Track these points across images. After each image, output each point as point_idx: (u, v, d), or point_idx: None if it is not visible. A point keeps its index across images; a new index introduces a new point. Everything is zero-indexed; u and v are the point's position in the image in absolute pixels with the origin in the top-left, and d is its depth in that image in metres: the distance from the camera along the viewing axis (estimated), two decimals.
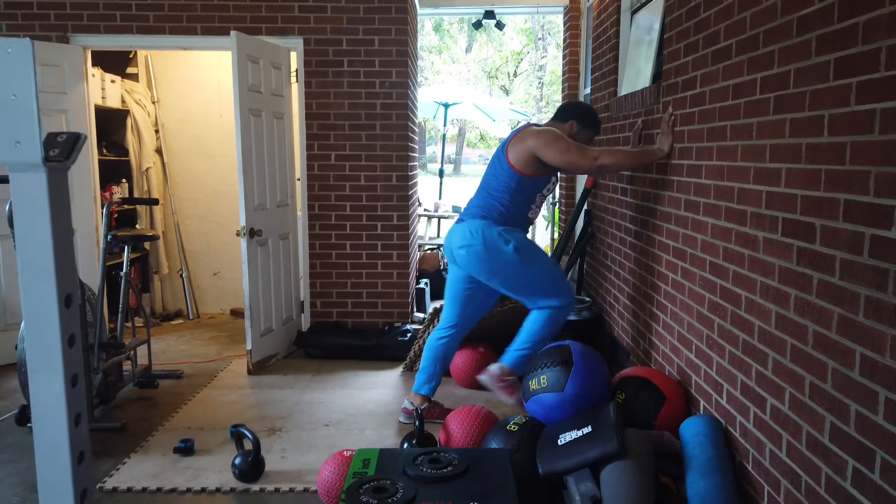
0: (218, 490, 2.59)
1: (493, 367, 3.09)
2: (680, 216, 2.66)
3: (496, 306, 3.48)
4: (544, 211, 7.66)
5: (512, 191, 2.99)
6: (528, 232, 3.19)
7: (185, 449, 2.87)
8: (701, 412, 2.45)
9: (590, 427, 2.27)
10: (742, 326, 2.09)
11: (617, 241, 3.71)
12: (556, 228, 6.42)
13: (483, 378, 3.12)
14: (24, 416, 3.09)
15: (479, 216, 3.01)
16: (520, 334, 3.11)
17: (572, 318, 3.95)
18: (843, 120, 1.56)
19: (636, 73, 3.45)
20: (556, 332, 3.10)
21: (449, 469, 2.01)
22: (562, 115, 3.17)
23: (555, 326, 3.08)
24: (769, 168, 1.92)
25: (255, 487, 2.60)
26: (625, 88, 3.68)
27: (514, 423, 2.53)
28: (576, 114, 3.14)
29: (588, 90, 4.89)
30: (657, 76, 3.09)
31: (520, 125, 3.16)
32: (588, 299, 4.21)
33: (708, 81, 2.38)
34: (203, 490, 2.59)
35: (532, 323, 3.07)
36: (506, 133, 25.49)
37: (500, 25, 8.83)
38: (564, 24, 5.77)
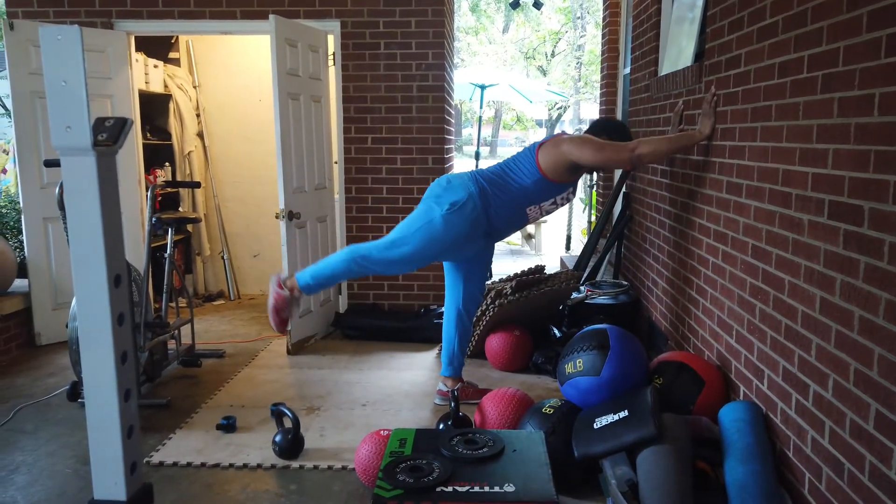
0: (259, 466, 2.66)
1: (284, 276, 3.04)
2: (721, 199, 2.61)
3: (489, 265, 3.36)
4: (581, 194, 7.58)
5: (523, 184, 2.93)
6: (505, 231, 3.08)
7: (228, 426, 2.95)
8: (741, 398, 2.41)
9: (626, 411, 2.26)
10: (785, 311, 2.05)
11: (656, 224, 3.66)
12: (593, 211, 6.35)
13: (272, 278, 3.04)
14: (74, 392, 3.22)
15: (473, 177, 2.97)
16: (326, 259, 3.06)
17: (609, 301, 3.92)
18: (894, 99, 1.51)
19: (678, 51, 3.37)
20: (344, 277, 3.05)
21: (484, 450, 2.02)
22: (594, 129, 3.15)
23: (350, 271, 3.00)
24: (816, 149, 1.87)
25: (295, 464, 2.67)
26: (666, 68, 3.60)
27: (550, 406, 2.53)
28: (607, 129, 3.10)
29: (628, 70, 4.80)
30: (699, 55, 3.02)
31: (553, 134, 3.14)
32: (626, 283, 4.17)
33: (753, 60, 2.32)
34: (245, 466, 2.66)
35: (341, 254, 3.00)
36: (542, 115, 25.24)
37: (537, 5, 8.68)
38: (604, 1, 5.66)
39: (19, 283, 4.24)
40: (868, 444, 1.60)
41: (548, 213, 3.08)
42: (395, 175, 4.53)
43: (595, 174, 5.68)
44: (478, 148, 9.12)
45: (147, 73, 4.91)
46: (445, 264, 3.21)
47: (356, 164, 4.53)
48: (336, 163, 4.62)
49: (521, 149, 3.16)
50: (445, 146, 4.58)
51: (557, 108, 24.46)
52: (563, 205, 3.09)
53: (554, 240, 8.51)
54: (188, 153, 5.27)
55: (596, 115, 5.83)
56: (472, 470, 1.93)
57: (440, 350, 4.03)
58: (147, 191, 3.75)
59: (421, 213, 2.96)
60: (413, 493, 1.82)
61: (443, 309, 4.39)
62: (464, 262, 3.16)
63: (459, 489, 1.83)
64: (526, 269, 3.99)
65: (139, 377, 3.32)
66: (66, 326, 3.31)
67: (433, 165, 4.51)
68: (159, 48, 5.24)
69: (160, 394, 3.41)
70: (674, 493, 1.97)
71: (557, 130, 25.84)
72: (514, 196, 2.94)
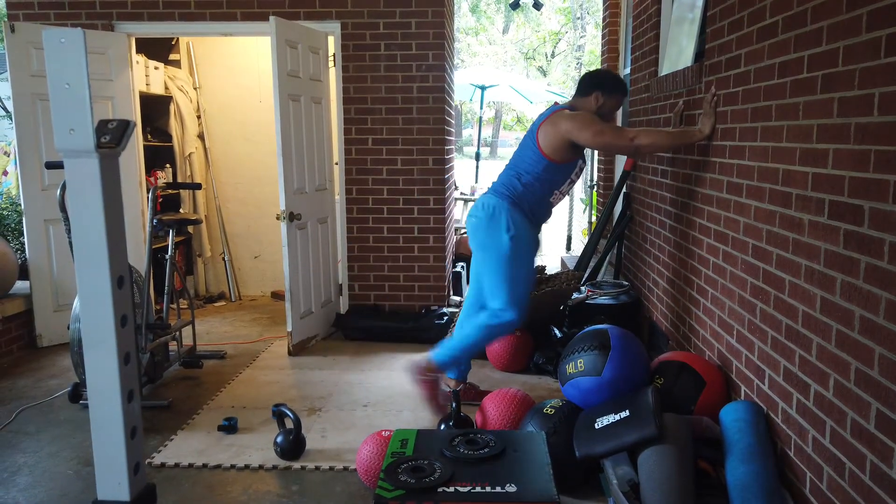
0: (260, 467, 2.66)
1: (419, 358, 3.00)
2: (722, 199, 2.62)
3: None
4: (581, 194, 7.58)
5: (537, 174, 2.93)
6: (544, 220, 3.11)
7: (229, 427, 2.96)
8: (742, 398, 2.42)
9: (627, 411, 2.27)
10: (785, 311, 2.06)
11: (656, 224, 3.67)
12: (594, 211, 6.36)
13: (406, 366, 3.03)
14: (76, 394, 3.22)
15: (498, 193, 2.97)
16: (456, 336, 3.07)
17: (610, 301, 3.92)
18: (894, 98, 1.51)
19: (678, 51, 3.38)
20: (488, 344, 3.06)
21: (486, 451, 2.03)
22: (583, 89, 2.99)
23: (490, 339, 3.05)
24: (816, 149, 1.87)
25: (297, 465, 2.67)
26: (666, 68, 3.61)
27: (551, 407, 2.53)
28: (597, 82, 2.97)
29: (628, 70, 4.81)
30: (699, 55, 3.02)
31: (551, 107, 3.10)
32: (626, 283, 4.17)
33: (753, 60, 2.32)
34: (246, 467, 2.67)
35: (471, 331, 2.99)
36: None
37: (537, 5, 8.70)
38: (604, 2, 5.66)
39: (21, 285, 4.25)
40: (869, 443, 1.60)
41: (566, 193, 3.09)
42: (396, 176, 4.53)
43: (596, 167, 5.66)
44: (478, 149, 9.13)
45: (148, 75, 4.92)
46: (471, 282, 3.19)
47: (357, 165, 4.54)
48: (336, 164, 4.63)
49: (518, 146, 3.15)
50: (446, 147, 4.58)
51: None
52: (577, 179, 3.08)
53: (554, 240, 8.52)
54: (189, 155, 5.28)
55: None
56: (474, 470, 1.93)
57: None
58: (148, 192, 3.76)
59: (493, 257, 2.93)
60: (415, 494, 1.82)
61: (444, 310, 4.41)
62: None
63: (461, 489, 1.83)
64: None
65: (141, 378, 3.33)
66: (68, 328, 3.32)
67: (433, 166, 4.52)
68: (160, 50, 5.25)
69: (161, 395, 3.42)
70: (675, 492, 1.98)
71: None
72: (535, 190, 2.96)
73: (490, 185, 3.10)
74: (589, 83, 2.99)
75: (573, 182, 3.06)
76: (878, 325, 1.57)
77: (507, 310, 2.92)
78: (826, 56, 1.82)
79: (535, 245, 3.05)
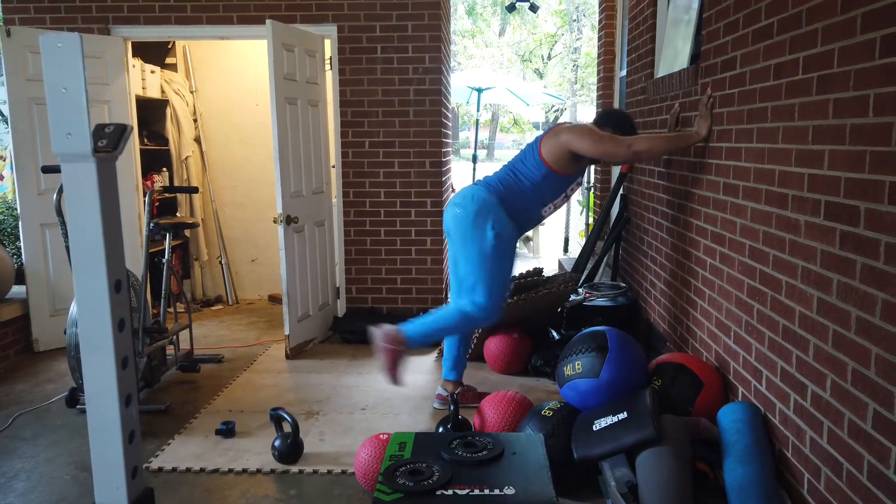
0: (258, 471, 2.66)
1: (390, 327, 2.92)
2: (718, 200, 2.62)
3: None
4: (578, 196, 7.59)
5: (535, 180, 2.95)
6: (529, 228, 3.13)
7: (227, 431, 2.95)
8: (739, 399, 2.42)
9: (625, 413, 2.27)
10: (782, 312, 2.06)
11: (653, 226, 3.67)
12: (591, 213, 6.36)
13: (375, 331, 2.91)
14: (73, 398, 3.21)
15: (490, 188, 2.98)
16: (430, 314, 3.04)
17: (608, 303, 3.93)
18: (889, 100, 1.52)
19: (674, 53, 3.39)
20: (457, 333, 3.08)
21: (484, 453, 2.03)
22: (600, 120, 3.16)
23: (460, 328, 3.05)
24: (812, 150, 1.88)
25: (294, 469, 2.67)
26: (662, 70, 3.62)
27: (549, 409, 2.53)
28: (613, 121, 3.10)
29: (624, 72, 4.82)
30: (695, 57, 3.03)
31: (555, 122, 3.14)
32: (623, 285, 4.18)
33: (748, 62, 2.33)
34: (244, 471, 2.66)
35: (447, 312, 2.98)
36: (539, 118, 25.26)
37: (533, 8, 8.72)
38: (600, 4, 5.68)
39: (17, 290, 4.23)
40: (866, 443, 1.60)
41: (559, 206, 3.11)
42: (393, 179, 4.54)
43: (593, 168, 5.68)
44: (475, 151, 9.14)
45: (144, 79, 4.91)
46: (450, 268, 3.21)
47: (354, 167, 4.54)
48: (334, 167, 4.63)
49: (520, 151, 3.17)
50: (443, 149, 4.59)
51: (554, 111, 24.47)
52: (571, 195, 3.11)
53: (552, 242, 8.53)
54: (185, 158, 5.28)
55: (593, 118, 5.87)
56: (472, 473, 1.93)
57: (439, 354, 4.03)
58: (145, 196, 3.75)
59: (475, 252, 2.92)
60: (413, 497, 1.82)
61: None
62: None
63: (459, 492, 1.83)
64: (524, 272, 4.00)
65: (138, 383, 3.32)
66: (65, 332, 3.31)
67: (430, 168, 4.52)
68: (156, 53, 5.24)
69: (159, 399, 3.41)
70: (673, 494, 1.98)
71: None
72: (528, 195, 2.97)
73: (482, 179, 3.10)
74: (605, 118, 3.15)
75: (567, 197, 3.07)
76: (874, 326, 1.57)
77: (485, 305, 2.93)
78: (821, 57, 1.83)
79: (515, 244, 3.05)
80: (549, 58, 23.38)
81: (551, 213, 3.11)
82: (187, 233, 5.39)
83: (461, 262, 2.98)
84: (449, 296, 3.29)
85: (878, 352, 1.56)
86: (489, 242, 2.89)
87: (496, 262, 2.93)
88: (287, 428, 2.75)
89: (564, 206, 7.75)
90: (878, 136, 1.56)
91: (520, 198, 2.96)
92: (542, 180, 2.95)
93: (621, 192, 4.50)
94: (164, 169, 5.23)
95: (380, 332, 2.89)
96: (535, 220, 3.10)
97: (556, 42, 22.74)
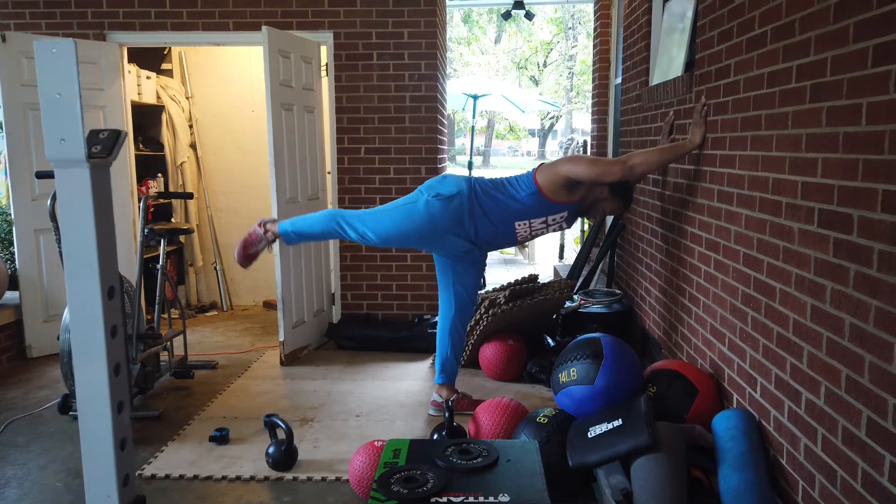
0: (252, 478, 2.64)
1: (269, 219, 3.29)
2: (713, 207, 2.63)
3: (481, 273, 3.36)
4: None
5: (519, 196, 2.93)
6: (496, 242, 3.09)
7: (221, 438, 2.94)
8: (734, 406, 2.42)
9: (620, 420, 2.27)
10: (777, 319, 2.07)
11: (648, 233, 3.68)
12: (585, 220, 6.38)
13: (261, 218, 3.29)
14: (66, 405, 3.19)
15: (469, 180, 3.00)
16: (309, 215, 3.18)
17: (603, 310, 3.93)
18: (881, 108, 1.53)
19: (668, 61, 3.40)
20: (322, 236, 3.18)
21: (479, 460, 2.02)
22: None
23: (326, 232, 3.12)
24: (805, 158, 1.89)
25: (289, 476, 2.65)
26: (656, 77, 3.63)
27: (544, 416, 2.53)
28: (613, 183, 3.01)
29: (619, 80, 4.84)
30: (690, 65, 3.05)
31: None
32: (619, 292, 4.18)
33: (742, 70, 2.35)
34: (238, 478, 2.65)
35: (323, 214, 3.14)
36: (535, 125, 25.32)
37: (529, 15, 8.75)
38: (595, 12, 5.71)
39: (10, 295, 4.21)
40: (860, 450, 1.61)
41: (536, 234, 3.04)
42: (389, 185, 4.54)
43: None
44: (471, 157, 9.15)
45: (139, 85, 4.91)
46: (438, 270, 3.21)
47: (349, 174, 4.54)
48: (329, 173, 4.63)
49: (515, 159, 3.19)
50: (438, 156, 4.59)
51: (550, 118, 24.58)
52: (553, 228, 3.05)
53: (547, 249, 8.54)
54: (181, 164, 5.27)
55: (588, 125, 5.86)
56: (467, 480, 1.93)
57: (434, 360, 4.03)
58: (139, 202, 3.74)
59: (408, 196, 3.06)
60: None
61: (437, 318, 4.40)
62: (451, 261, 3.15)
63: (454, 500, 1.82)
64: (519, 279, 4.00)
65: (131, 389, 3.30)
66: (58, 338, 3.29)
67: (426, 175, 4.52)
68: (152, 59, 5.24)
69: (152, 405, 3.39)
70: (668, 501, 1.98)
71: (550, 140, 25.96)
72: (504, 207, 2.94)
73: (475, 176, 3.11)
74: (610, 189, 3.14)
75: (548, 226, 3.01)
76: (868, 333, 1.58)
77: (360, 230, 3.01)
78: (814, 66, 1.84)
79: (438, 235, 2.98)
80: (545, 65, 23.48)
81: (527, 234, 3.02)
82: (182, 238, 5.37)
83: (392, 205, 3.07)
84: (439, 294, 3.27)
85: (872, 359, 1.56)
86: (421, 202, 2.95)
87: (403, 213, 2.98)
88: (281, 435, 2.74)
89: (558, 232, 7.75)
90: (871, 144, 1.57)
91: (494, 203, 2.94)
92: (526, 196, 2.93)
93: None
94: (160, 175, 5.23)
95: (261, 219, 3.25)
96: (505, 234, 3.01)
97: (551, 49, 22.84)
